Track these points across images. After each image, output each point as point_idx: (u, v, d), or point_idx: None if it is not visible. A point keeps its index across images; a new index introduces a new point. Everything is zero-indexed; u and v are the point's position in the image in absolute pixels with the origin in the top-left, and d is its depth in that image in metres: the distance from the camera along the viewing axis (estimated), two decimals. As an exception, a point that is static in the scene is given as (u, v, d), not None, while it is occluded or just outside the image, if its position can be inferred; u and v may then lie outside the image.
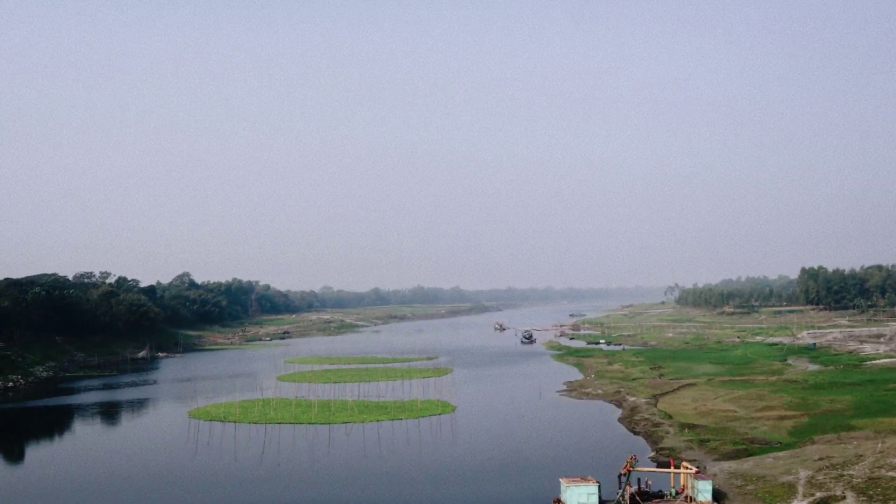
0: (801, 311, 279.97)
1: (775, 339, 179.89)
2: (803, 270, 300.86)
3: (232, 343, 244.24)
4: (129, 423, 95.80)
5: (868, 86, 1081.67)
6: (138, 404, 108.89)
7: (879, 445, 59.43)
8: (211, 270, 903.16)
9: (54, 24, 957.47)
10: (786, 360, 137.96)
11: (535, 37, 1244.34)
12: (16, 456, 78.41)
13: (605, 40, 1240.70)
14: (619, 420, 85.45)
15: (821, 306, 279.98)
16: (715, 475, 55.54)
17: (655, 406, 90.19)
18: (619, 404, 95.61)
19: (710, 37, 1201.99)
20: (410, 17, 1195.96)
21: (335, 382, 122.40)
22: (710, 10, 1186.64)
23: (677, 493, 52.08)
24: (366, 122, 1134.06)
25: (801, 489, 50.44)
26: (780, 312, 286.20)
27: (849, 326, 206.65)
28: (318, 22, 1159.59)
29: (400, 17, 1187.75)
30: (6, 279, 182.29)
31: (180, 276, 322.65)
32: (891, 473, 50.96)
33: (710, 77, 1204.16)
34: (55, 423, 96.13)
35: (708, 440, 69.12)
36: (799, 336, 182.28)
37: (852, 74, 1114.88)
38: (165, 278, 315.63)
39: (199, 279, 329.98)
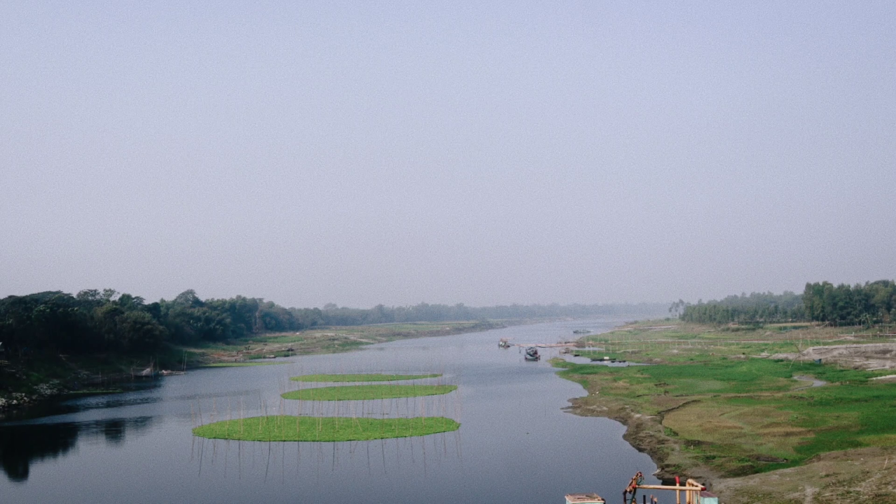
0: (807, 326, 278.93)
1: (781, 356, 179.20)
2: (808, 286, 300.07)
3: (236, 360, 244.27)
4: (132, 441, 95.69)
5: (877, 98, 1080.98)
6: (142, 422, 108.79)
7: (886, 462, 59.09)
8: (215, 288, 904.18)
9: (51, 33, 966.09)
10: (791, 376, 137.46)
11: (537, 45, 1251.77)
12: (20, 474, 78.31)
13: (608, 47, 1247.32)
14: (624, 437, 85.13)
15: (826, 322, 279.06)
16: (721, 492, 55.27)
17: (660, 423, 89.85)
18: (624, 421, 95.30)
19: (714, 50, 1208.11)
20: (415, 33, 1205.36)
21: (339, 400, 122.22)
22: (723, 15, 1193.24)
23: (683, 511, 51.87)
24: (369, 138, 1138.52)
25: (807, 506, 50.15)
26: (785, 328, 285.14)
27: (854, 342, 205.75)
28: (318, 28, 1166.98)
29: (403, 28, 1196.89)
30: (10, 297, 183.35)
31: (184, 294, 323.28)
32: (898, 490, 50.62)
33: (711, 93, 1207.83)
34: (59, 440, 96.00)
35: (713, 457, 68.81)
36: (804, 352, 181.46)
37: (860, 87, 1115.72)
38: (169, 296, 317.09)
39: (202, 297, 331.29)
